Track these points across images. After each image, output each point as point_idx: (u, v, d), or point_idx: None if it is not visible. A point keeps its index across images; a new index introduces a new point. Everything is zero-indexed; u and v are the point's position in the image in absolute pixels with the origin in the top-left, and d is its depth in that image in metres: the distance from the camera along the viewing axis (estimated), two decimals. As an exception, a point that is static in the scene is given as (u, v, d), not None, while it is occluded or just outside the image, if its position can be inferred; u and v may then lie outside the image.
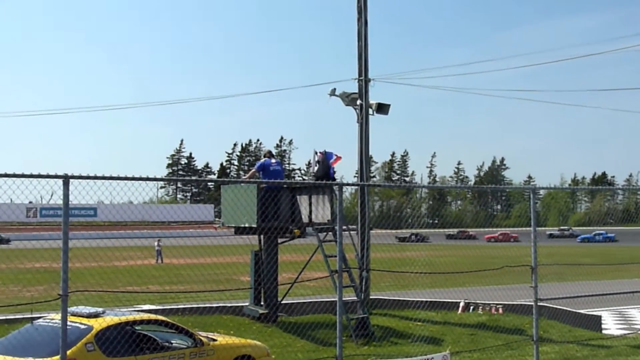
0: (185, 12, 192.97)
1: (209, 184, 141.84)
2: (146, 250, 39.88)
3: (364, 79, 18.32)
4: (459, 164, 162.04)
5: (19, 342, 8.52)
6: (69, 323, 7.49)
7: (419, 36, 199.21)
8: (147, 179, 7.94)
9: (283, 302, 16.44)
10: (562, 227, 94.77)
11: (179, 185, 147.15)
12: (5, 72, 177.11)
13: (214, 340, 9.94)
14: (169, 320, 9.87)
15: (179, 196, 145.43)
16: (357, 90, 18.40)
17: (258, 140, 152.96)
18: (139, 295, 20.92)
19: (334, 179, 16.14)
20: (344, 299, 9.61)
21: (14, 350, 8.22)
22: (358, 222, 18.27)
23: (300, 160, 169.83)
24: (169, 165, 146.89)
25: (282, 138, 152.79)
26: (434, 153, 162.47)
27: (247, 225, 15.26)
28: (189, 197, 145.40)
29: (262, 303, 16.23)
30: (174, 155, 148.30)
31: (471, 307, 18.48)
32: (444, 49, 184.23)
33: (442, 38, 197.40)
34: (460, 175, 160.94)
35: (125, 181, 7.66)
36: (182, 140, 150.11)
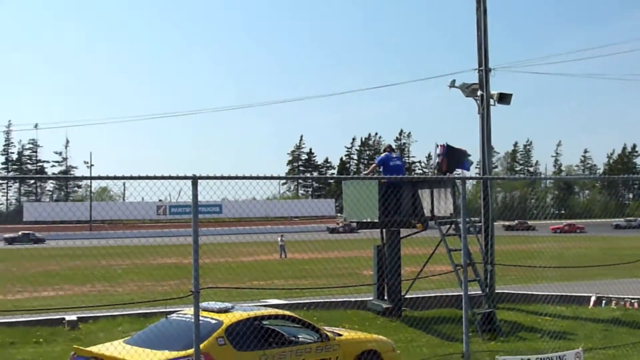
0: (297, 10, 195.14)
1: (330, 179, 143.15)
2: (270, 245, 40.77)
3: (484, 69, 17.94)
4: (585, 152, 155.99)
5: (155, 336, 8.91)
6: (200, 318, 7.76)
7: (535, 21, 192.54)
8: (271, 177, 8.14)
9: (407, 296, 16.38)
10: (628, 218, 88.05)
11: (300, 180, 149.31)
12: (134, 76, 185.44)
13: (339, 335, 10.02)
14: (295, 315, 10.04)
15: (300, 192, 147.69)
16: (477, 81, 18.05)
17: (377, 134, 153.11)
18: (265, 289, 21.41)
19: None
20: (468, 293, 9.47)
21: (151, 343, 8.61)
22: (481, 215, 17.94)
23: (420, 153, 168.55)
24: (289, 162, 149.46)
25: (401, 131, 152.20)
26: (559, 142, 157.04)
27: (369, 220, 15.32)
28: (310, 193, 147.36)
29: (385, 297, 16.23)
30: (294, 151, 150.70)
31: (603, 302, 17.74)
32: (562, 35, 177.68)
33: (560, 23, 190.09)
34: (588, 163, 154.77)
35: (249, 178, 7.85)
36: (301, 136, 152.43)
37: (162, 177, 7.03)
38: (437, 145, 16.22)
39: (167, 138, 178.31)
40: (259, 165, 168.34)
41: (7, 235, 63.32)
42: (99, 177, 7.97)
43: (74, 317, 15.51)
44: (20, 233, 65.01)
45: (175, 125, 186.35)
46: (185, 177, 7.12)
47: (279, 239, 43.30)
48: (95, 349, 8.67)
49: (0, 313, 16.65)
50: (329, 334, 9.73)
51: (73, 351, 8.82)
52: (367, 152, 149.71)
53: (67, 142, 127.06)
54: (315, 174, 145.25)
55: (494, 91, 17.95)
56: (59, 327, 15.31)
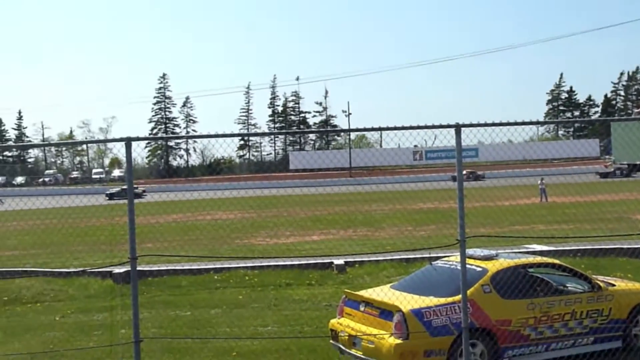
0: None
1: (594, 117, 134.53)
2: (528, 189, 39.54)
3: None
4: None
5: (421, 282, 9.09)
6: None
7: None
8: (531, 123, 7.82)
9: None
10: None
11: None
12: (385, 27, 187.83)
13: (612, 284, 9.47)
14: (562, 263, 9.67)
15: (560, 132, 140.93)
16: None
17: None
18: (527, 235, 20.87)
19: None
20: None
21: (417, 288, 8.80)
22: None
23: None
24: (548, 102, 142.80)
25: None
26: None
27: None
28: (571, 133, 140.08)
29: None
30: (553, 90, 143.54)
31: None
32: None
33: None
34: None
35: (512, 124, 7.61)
36: (561, 74, 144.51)
37: (426, 127, 7.06)
38: None
39: (416, 86, 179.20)
40: (516, 107, 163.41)
41: (108, 192, 63.62)
42: (362, 129, 8.18)
43: (341, 262, 16.37)
44: (120, 188, 65.22)
45: (423, 73, 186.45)
46: (448, 126, 7.07)
47: (539, 182, 41.92)
48: (365, 293, 9.06)
49: (277, 257, 18.06)
50: (600, 283, 9.24)
51: (344, 295, 9.30)
52: (636, 87, 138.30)
53: (326, 92, 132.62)
54: (576, 113, 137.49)
55: None
56: (328, 270, 16.28)
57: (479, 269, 8.73)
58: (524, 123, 7.46)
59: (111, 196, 59.96)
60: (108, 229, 23.75)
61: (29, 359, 9.26)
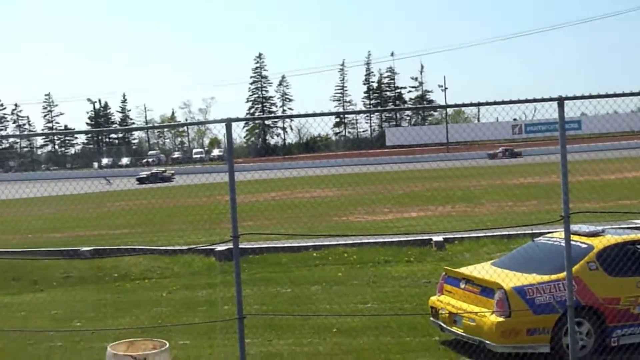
0: None
1: None
2: (637, 161, 37.91)
3: None
4: None
5: (523, 259, 8.90)
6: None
7: None
8: (635, 93, 7.45)
9: None
10: None
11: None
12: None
13: None
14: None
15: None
16: None
17: None
18: (635, 210, 20.04)
19: None
20: None
21: (519, 266, 8.62)
22: None
23: None
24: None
25: None
26: None
27: None
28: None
29: None
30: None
31: None
32: None
33: None
34: None
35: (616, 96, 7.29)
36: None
37: (527, 101, 6.86)
38: None
39: (513, 58, 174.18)
40: (621, 77, 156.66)
41: (138, 176, 58.89)
42: (459, 105, 8.03)
43: (440, 238, 16.23)
44: (150, 172, 63.08)
45: (520, 46, 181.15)
46: (551, 99, 6.85)
47: (649, 154, 40.22)
48: (466, 270, 8.96)
49: (375, 234, 18.08)
50: None
51: (444, 272, 9.23)
52: None
53: (422, 67, 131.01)
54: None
55: None
56: (426, 247, 16.17)
57: (584, 245, 8.47)
58: (632, 94, 7.13)
59: (142, 181, 57.98)
60: (210, 208, 24.35)
61: (139, 333, 9.64)
